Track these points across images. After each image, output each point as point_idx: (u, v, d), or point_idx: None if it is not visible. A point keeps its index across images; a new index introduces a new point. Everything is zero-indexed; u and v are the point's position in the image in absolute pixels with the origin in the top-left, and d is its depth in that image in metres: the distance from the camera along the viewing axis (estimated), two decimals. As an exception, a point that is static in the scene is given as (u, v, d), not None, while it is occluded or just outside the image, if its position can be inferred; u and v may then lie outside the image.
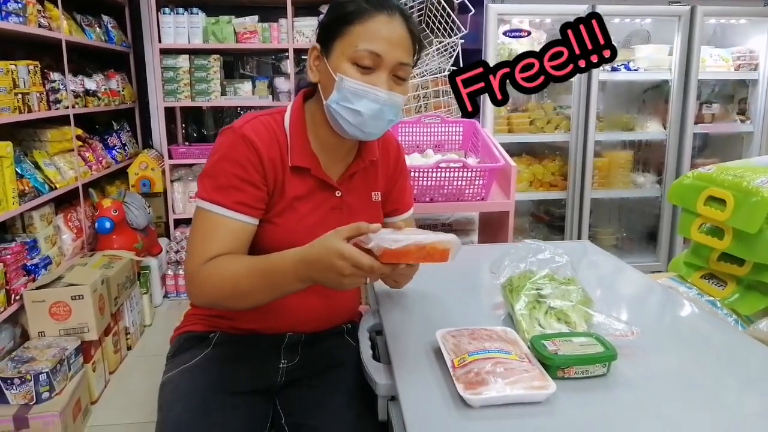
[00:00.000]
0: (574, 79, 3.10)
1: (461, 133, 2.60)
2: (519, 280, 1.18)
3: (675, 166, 3.29)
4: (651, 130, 3.30)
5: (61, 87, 2.76)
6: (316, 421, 1.06)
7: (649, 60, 3.17)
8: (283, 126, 1.10)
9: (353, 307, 1.31)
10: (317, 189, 1.12)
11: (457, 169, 2.11)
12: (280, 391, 1.15)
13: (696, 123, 3.25)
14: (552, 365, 0.92)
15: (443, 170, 2.10)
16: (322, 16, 1.13)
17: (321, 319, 1.20)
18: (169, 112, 3.99)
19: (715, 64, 3.23)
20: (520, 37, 3.04)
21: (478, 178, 2.14)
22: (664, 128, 3.29)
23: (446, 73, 2.66)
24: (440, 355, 0.98)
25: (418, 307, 1.24)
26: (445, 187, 2.14)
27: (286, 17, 3.54)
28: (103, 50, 3.54)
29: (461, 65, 2.61)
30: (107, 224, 2.92)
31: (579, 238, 3.27)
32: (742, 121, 3.37)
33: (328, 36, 1.05)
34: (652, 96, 3.41)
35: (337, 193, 1.14)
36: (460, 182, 2.13)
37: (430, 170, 2.09)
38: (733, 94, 3.47)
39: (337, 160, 1.15)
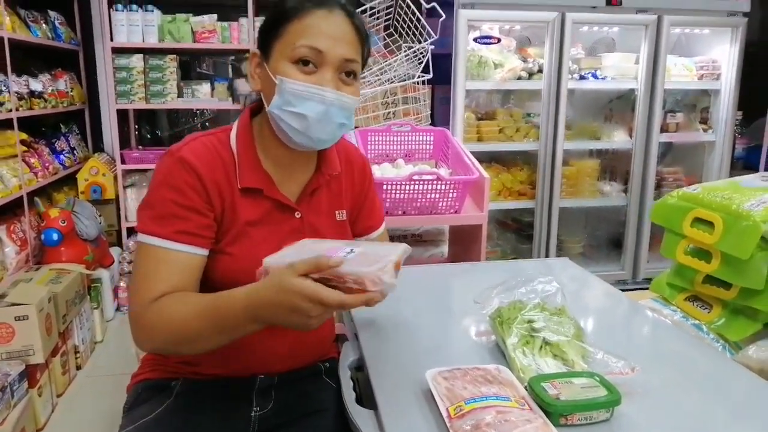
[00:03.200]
0: (543, 87, 3.08)
1: (432, 142, 2.53)
2: (508, 311, 1.11)
3: (641, 174, 3.31)
4: (617, 138, 3.31)
5: (3, 88, 2.56)
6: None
7: (616, 69, 3.18)
8: (228, 145, 1.00)
9: (328, 338, 1.21)
10: (273, 211, 1.02)
11: (430, 182, 2.04)
12: (253, 443, 1.05)
13: (661, 132, 3.28)
14: (554, 412, 0.85)
15: (416, 183, 2.02)
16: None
17: (293, 357, 1.09)
18: (122, 114, 3.80)
19: (679, 73, 3.27)
20: (490, 43, 2.99)
21: (452, 191, 2.07)
22: (630, 137, 3.31)
23: (415, 79, 2.59)
24: (431, 398, 0.90)
25: (400, 336, 1.15)
26: (419, 200, 2.06)
27: (247, 16, 3.41)
28: (50, 48, 3.32)
29: (431, 71, 2.56)
30: (55, 236, 2.73)
31: (548, 246, 3.25)
32: (705, 131, 3.42)
33: (266, 39, 0.97)
34: (618, 105, 3.43)
35: (297, 214, 1.04)
36: (433, 195, 2.06)
37: (403, 183, 2.01)
38: (696, 104, 3.52)
39: (293, 177, 1.06)
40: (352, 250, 0.85)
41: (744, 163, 3.76)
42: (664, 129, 3.33)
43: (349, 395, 0.98)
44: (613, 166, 3.52)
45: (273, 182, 1.02)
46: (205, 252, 0.95)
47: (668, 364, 1.10)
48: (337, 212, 1.12)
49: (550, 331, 1.05)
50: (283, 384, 1.09)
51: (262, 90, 1.00)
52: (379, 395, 0.94)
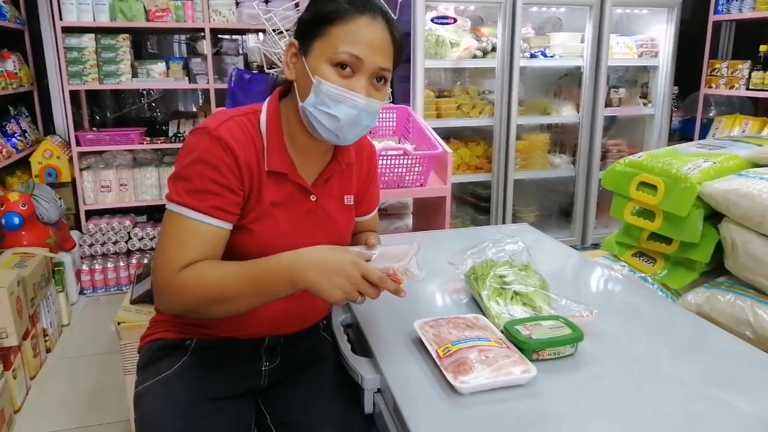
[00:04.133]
0: (497, 66, 3.21)
1: (395, 119, 2.62)
2: (482, 268, 1.24)
3: (588, 147, 3.52)
4: (566, 113, 3.49)
5: (-48, 70, 2.48)
6: (304, 418, 1.07)
7: (564, 47, 3.34)
8: (258, 128, 1.06)
9: (325, 305, 1.30)
10: (293, 193, 1.09)
11: (397, 157, 2.14)
12: (264, 392, 1.14)
13: (605, 106, 3.49)
14: (528, 349, 0.99)
15: (384, 158, 2.13)
16: (301, 12, 1.08)
17: (296, 322, 1.19)
18: (72, 95, 3.71)
19: (621, 51, 3.47)
20: (447, 23, 3.10)
21: (417, 165, 2.19)
22: (578, 112, 3.50)
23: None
24: (420, 345, 1.02)
25: (385, 299, 1.24)
26: (386, 175, 2.16)
27: (201, -6, 3.39)
28: (-5, 28, 3.21)
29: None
30: (16, 220, 2.70)
31: (504, 217, 3.42)
32: (645, 105, 3.66)
33: (307, 34, 1.01)
34: (567, 82, 3.61)
35: (312, 198, 1.11)
36: (400, 169, 2.17)
37: (371, 158, 2.10)
38: (637, 79, 3.75)
39: (312, 163, 1.12)
40: (373, 253, 1.00)
41: (680, 135, 4.02)
42: (608, 104, 3.53)
43: (346, 347, 1.08)
44: (562, 140, 3.72)
45: (295, 167, 1.08)
46: (230, 227, 1.01)
47: (620, 308, 1.27)
48: (345, 197, 1.19)
49: (519, 284, 1.18)
50: (288, 342, 1.18)
51: (296, 81, 1.04)
52: (374, 345, 1.05)
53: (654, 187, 1.49)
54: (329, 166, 1.14)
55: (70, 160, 3.47)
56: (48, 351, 2.66)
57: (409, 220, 2.70)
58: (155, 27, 3.48)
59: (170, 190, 0.99)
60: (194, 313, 0.97)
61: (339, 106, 0.99)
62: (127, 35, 3.44)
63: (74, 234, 3.37)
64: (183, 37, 4.06)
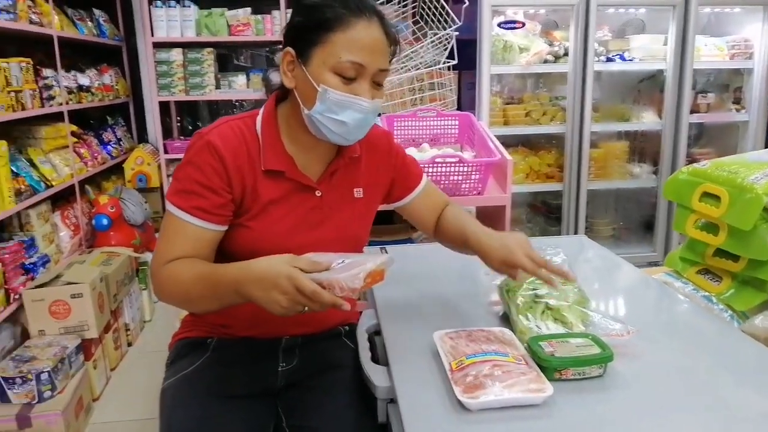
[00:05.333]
0: (569, 70, 3.09)
1: (457, 127, 2.59)
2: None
3: (671, 156, 3.30)
4: (646, 120, 3.30)
5: (54, 83, 2.74)
6: (317, 423, 1.07)
7: (644, 50, 3.16)
8: (254, 129, 1.09)
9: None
10: (294, 191, 1.11)
11: (453, 164, 2.11)
12: (280, 394, 1.16)
13: (691, 113, 3.25)
14: (549, 367, 0.93)
15: (439, 165, 2.10)
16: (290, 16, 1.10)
17: (314, 324, 1.21)
18: (164, 106, 3.98)
19: (709, 53, 3.23)
20: (515, 28, 3.03)
21: (474, 173, 2.14)
22: (660, 118, 3.29)
23: (441, 65, 2.65)
24: (438, 357, 1.00)
25: (416, 307, 1.25)
26: (442, 182, 2.14)
27: (279, 8, 3.53)
28: (96, 45, 3.52)
29: (456, 57, 2.62)
30: (104, 221, 2.92)
31: (576, 229, 3.28)
32: (738, 110, 3.37)
33: (303, 42, 1.01)
34: (647, 86, 3.40)
35: (317, 193, 1.13)
36: (456, 177, 2.14)
37: (427, 165, 2.09)
38: (729, 84, 3.47)
39: (315, 159, 1.14)
40: (343, 261, 0.95)
41: (780, 143, 3.68)
42: (694, 110, 3.30)
43: (365, 354, 1.08)
44: (643, 148, 3.51)
45: (295, 164, 1.11)
46: (217, 227, 1.05)
47: (667, 329, 1.17)
48: (354, 190, 1.20)
49: (552, 298, 1.13)
50: (307, 343, 1.20)
51: (297, 89, 1.05)
52: (391, 353, 1.04)
53: (718, 198, 1.37)
54: (334, 161, 1.16)
55: (159, 166, 3.73)
56: (129, 344, 2.85)
57: (472, 230, 2.65)
58: (237, 41, 3.67)
59: (168, 189, 1.06)
60: (177, 306, 1.04)
61: (346, 111, 1.01)
62: (212, 49, 3.64)
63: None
64: (264, 49, 4.24)
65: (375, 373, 1.01)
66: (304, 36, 1.01)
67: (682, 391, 0.93)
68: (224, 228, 1.07)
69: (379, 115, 2.61)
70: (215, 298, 0.97)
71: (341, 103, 1.00)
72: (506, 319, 1.16)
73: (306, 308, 0.89)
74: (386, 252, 1.58)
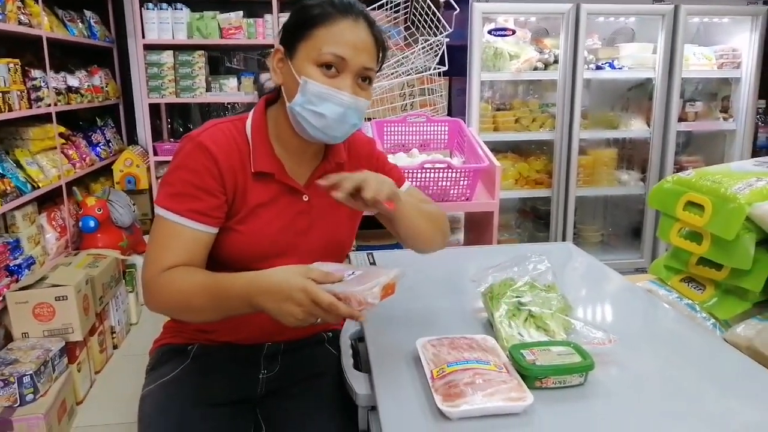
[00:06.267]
0: (559, 78, 3.11)
1: (447, 133, 2.60)
2: (500, 287, 1.19)
3: (659, 163, 3.33)
4: (635, 128, 3.32)
5: (42, 84, 2.72)
6: (298, 431, 1.07)
7: (633, 58, 3.19)
8: (244, 132, 1.09)
9: None
10: (282, 194, 1.11)
11: (442, 170, 2.12)
12: (261, 402, 1.15)
13: (679, 121, 3.28)
14: (530, 375, 0.93)
15: (428, 171, 2.11)
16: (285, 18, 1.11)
17: (298, 329, 1.19)
18: (154, 108, 3.96)
19: (698, 62, 3.26)
20: (505, 35, 3.04)
21: (462, 179, 2.15)
22: (648, 126, 3.32)
23: (432, 71, 2.66)
24: (420, 364, 0.99)
25: (401, 313, 1.24)
26: (431, 188, 2.14)
27: (271, 12, 3.53)
28: (86, 46, 3.50)
29: (446, 63, 2.63)
30: (91, 223, 2.90)
31: (564, 235, 3.29)
32: (725, 119, 3.41)
33: (291, 38, 1.04)
34: (636, 94, 3.43)
35: (305, 198, 1.13)
36: (445, 183, 2.14)
37: (415, 171, 2.09)
38: (716, 92, 3.50)
39: (303, 164, 1.15)
40: (353, 272, 0.95)
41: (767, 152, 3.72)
42: (682, 118, 3.32)
43: (347, 361, 1.08)
44: (631, 155, 3.53)
45: (284, 168, 1.11)
46: (212, 230, 1.04)
47: (649, 337, 1.18)
48: None
49: (535, 305, 1.13)
50: (289, 350, 1.19)
51: (283, 84, 1.07)
52: (374, 360, 1.04)
53: (701, 207, 1.37)
54: (320, 166, 1.16)
55: (148, 168, 3.71)
56: (115, 347, 2.83)
57: (461, 235, 2.67)
58: (228, 44, 3.66)
59: (157, 195, 1.04)
60: (171, 316, 1.01)
61: (325, 103, 1.01)
62: (203, 52, 3.64)
63: (148, 238, 3.58)
64: (256, 53, 4.23)
65: (356, 381, 1.00)
66: (292, 33, 1.04)
67: (663, 400, 0.93)
68: (216, 231, 1.06)
69: (369, 120, 2.61)
70: (220, 308, 0.95)
71: (321, 95, 1.01)
72: (490, 326, 1.16)
73: (319, 319, 0.89)
74: (372, 258, 1.59)
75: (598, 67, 3.18)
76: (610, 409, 0.91)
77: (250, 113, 1.13)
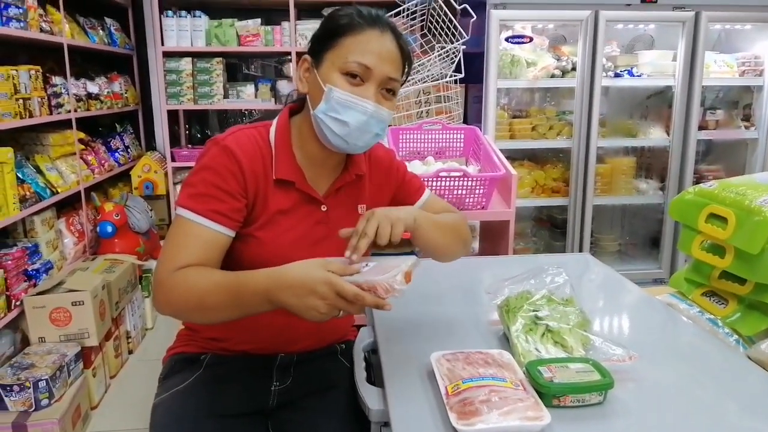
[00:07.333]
0: (577, 85, 3.08)
1: (462, 140, 2.58)
2: (516, 300, 1.17)
3: (678, 172, 3.27)
4: (654, 136, 3.27)
5: (63, 91, 2.76)
6: (309, 445, 1.06)
7: (653, 66, 3.14)
8: (267, 139, 1.10)
9: (346, 325, 1.30)
10: (302, 203, 1.11)
11: (457, 178, 2.10)
12: (272, 414, 1.15)
13: (700, 129, 3.23)
14: (547, 393, 0.91)
15: (443, 179, 2.09)
16: (315, 29, 1.13)
17: (312, 339, 1.19)
18: (172, 114, 4.00)
19: (719, 70, 3.21)
20: (522, 43, 3.02)
21: (478, 187, 2.13)
22: (668, 134, 3.27)
23: (448, 78, 2.65)
24: (434, 379, 0.97)
25: (415, 324, 1.23)
26: (446, 196, 2.12)
27: (289, 20, 3.54)
28: (106, 53, 3.55)
29: (463, 71, 2.61)
30: (109, 228, 2.93)
31: (581, 244, 3.25)
32: (747, 128, 3.34)
33: (319, 48, 1.06)
34: (655, 102, 3.38)
35: (323, 208, 1.13)
36: (460, 191, 2.12)
37: (431, 179, 2.08)
38: (738, 101, 3.44)
39: (323, 174, 1.15)
40: (367, 264, 0.95)
41: (792, 162, 3.64)
42: (703, 126, 3.27)
43: (360, 374, 1.07)
44: (650, 164, 3.48)
45: (304, 177, 1.11)
46: (230, 233, 1.04)
47: (671, 354, 1.14)
48: (359, 206, 1.20)
49: (553, 320, 1.11)
50: (302, 362, 1.18)
51: (309, 93, 1.08)
52: (387, 374, 1.02)
53: (725, 220, 1.34)
54: (340, 177, 1.16)
55: (166, 174, 3.73)
56: (130, 352, 2.84)
57: (476, 244, 2.64)
58: (246, 51, 3.68)
59: (179, 196, 1.04)
60: (180, 316, 1.00)
61: (348, 111, 1.02)
62: (221, 59, 3.66)
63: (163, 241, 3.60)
64: (273, 60, 4.25)
65: (369, 395, 0.99)
66: (320, 42, 1.06)
67: (685, 420, 0.90)
68: (233, 234, 1.05)
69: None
70: (237, 306, 0.93)
71: (345, 102, 1.02)
72: (506, 339, 1.14)
73: (341, 313, 0.89)
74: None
75: (617, 75, 3.14)
76: (630, 429, 0.89)
77: (275, 121, 1.13)
